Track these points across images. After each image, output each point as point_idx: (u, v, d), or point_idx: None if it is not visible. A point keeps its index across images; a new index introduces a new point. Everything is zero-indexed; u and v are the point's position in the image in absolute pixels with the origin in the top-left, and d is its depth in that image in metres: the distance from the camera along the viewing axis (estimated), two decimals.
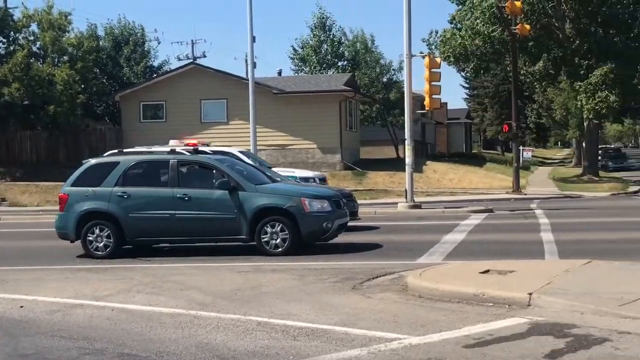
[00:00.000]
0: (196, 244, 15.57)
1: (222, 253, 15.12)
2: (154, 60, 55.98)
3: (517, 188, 35.47)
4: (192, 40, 68.02)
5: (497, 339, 7.45)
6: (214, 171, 15.26)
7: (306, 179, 21.69)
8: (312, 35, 57.43)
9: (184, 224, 15.01)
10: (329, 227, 15.02)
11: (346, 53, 57.53)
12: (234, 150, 21.59)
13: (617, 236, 16.48)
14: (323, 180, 22.87)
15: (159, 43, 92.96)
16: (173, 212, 15.01)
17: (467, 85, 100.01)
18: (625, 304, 8.58)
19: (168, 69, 52.49)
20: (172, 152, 16.25)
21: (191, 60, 59.62)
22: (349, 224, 17.24)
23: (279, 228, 14.79)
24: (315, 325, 8.22)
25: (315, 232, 14.95)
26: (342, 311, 9.03)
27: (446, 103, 77.81)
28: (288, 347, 7.31)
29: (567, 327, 7.81)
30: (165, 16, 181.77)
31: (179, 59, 64.39)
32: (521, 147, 63.72)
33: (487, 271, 10.92)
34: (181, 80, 44.50)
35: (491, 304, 9.15)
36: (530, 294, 9.13)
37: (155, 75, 51.83)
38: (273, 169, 21.73)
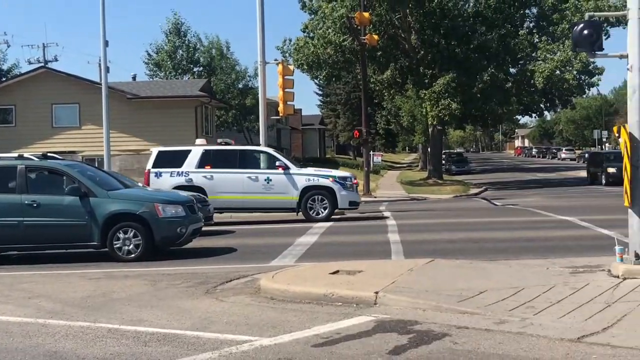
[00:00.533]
0: (46, 251, 14.96)
1: (73, 260, 14.61)
2: (2, 64, 53.35)
3: (367, 191, 36.36)
4: (43, 44, 65.10)
5: (344, 337, 7.61)
6: (64, 177, 14.75)
7: (344, 178, 22.84)
8: (167, 41, 56.55)
9: (33, 231, 14.44)
10: (183, 232, 14.84)
11: (202, 59, 57.06)
12: (270, 150, 23.88)
13: (457, 236, 17.20)
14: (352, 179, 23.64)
15: (8, 46, 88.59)
16: (21, 219, 14.43)
17: (320, 92, 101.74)
18: (464, 300, 8.98)
19: (18, 73, 50.14)
20: (20, 157, 15.58)
21: (42, 64, 57.21)
22: (205, 228, 17.12)
23: (131, 234, 14.48)
24: (166, 331, 8.09)
25: (169, 237, 14.73)
26: (195, 315, 8.93)
27: (301, 109, 78.76)
28: (139, 353, 7.15)
29: (410, 324, 8.08)
30: (15, 18, 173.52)
31: (30, 63, 61.83)
32: (371, 152, 65.36)
33: (336, 272, 11.13)
34: (32, 84, 42.67)
35: (340, 304, 9.33)
36: (376, 292, 9.38)
37: (4, 79, 49.37)
38: (309, 168, 24.24)
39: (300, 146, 75.13)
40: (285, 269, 11.97)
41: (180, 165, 22.29)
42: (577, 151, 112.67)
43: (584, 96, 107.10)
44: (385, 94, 60.56)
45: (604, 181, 41.00)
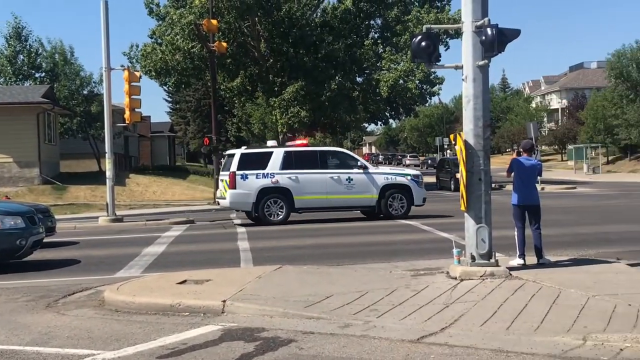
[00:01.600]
0: None
1: None
2: None
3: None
4: None
5: (190, 347, 7.50)
6: None
7: (417, 176, 24.21)
8: (6, 45, 53.75)
9: None
10: (23, 244, 14.14)
11: (44, 64, 54.65)
12: (347, 150, 25.40)
13: (306, 242, 17.42)
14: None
15: None
16: None
17: (170, 99, 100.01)
18: (310, 305, 9.09)
19: None
20: None
21: None
22: (47, 240, 16.39)
23: None
24: (4, 347, 7.68)
25: (7, 250, 14.00)
26: (35, 330, 8.53)
27: (149, 116, 77.09)
28: None
29: (257, 331, 8.08)
30: None
31: None
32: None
33: (184, 281, 10.97)
34: None
35: (187, 314, 9.20)
36: (224, 301, 9.32)
37: None
38: (384, 167, 26.13)
39: (149, 154, 73.56)
40: (131, 280, 11.67)
41: (264, 167, 22.65)
42: (420, 157, 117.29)
43: (426, 105, 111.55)
44: (236, 101, 60.32)
45: (452, 187, 42.57)
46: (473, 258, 10.93)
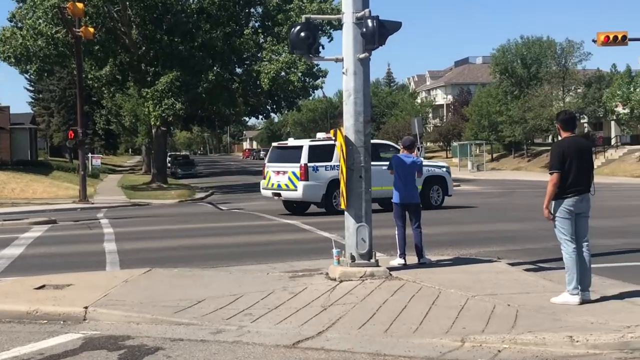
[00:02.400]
0: None
1: None
2: None
3: (84, 197, 35.16)
4: None
5: (48, 357, 7.26)
6: None
7: (448, 169, 26.57)
8: None
9: None
10: None
11: None
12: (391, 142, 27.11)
13: (180, 243, 17.21)
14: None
15: None
16: None
17: (31, 89, 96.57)
18: (181, 310, 8.98)
19: None
20: None
21: None
22: None
23: None
24: None
25: None
26: None
27: (8, 107, 74.04)
28: None
29: (122, 339, 7.91)
30: None
31: None
32: (90, 154, 63.37)
33: (42, 286, 10.61)
34: None
35: (45, 321, 8.90)
36: (86, 307, 9.08)
37: None
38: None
39: (8, 147, 70.67)
40: None
41: (329, 159, 23.52)
42: None
43: (310, 98, 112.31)
44: (105, 91, 59.06)
45: None
46: (353, 258, 11.09)
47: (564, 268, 9.17)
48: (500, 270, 11.68)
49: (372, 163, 24.56)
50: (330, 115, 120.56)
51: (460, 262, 12.46)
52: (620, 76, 66.87)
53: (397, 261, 12.17)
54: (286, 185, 24.09)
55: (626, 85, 62.75)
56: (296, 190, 23.75)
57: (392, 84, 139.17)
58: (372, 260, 11.16)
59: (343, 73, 11.38)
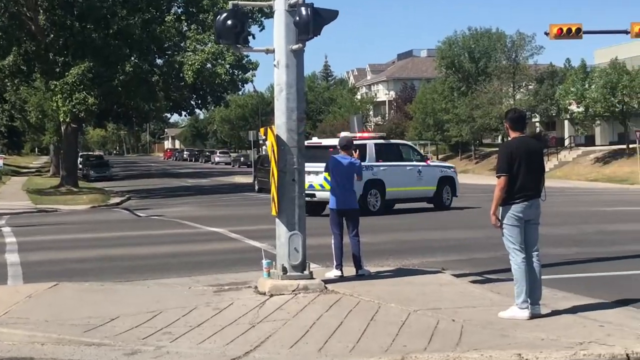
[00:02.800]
0: None
1: None
2: None
3: None
4: None
5: None
6: None
7: (455, 170, 29.91)
8: None
9: None
10: None
11: None
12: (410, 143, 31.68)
13: (91, 254, 16.98)
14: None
15: None
16: None
17: None
18: (91, 329, 8.85)
19: None
20: None
21: None
22: None
23: None
24: None
25: None
26: None
27: None
28: None
29: None
30: None
31: None
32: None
33: None
34: None
35: None
36: None
37: None
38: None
39: None
40: None
41: (363, 159, 24.21)
42: (232, 154, 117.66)
43: (239, 93, 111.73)
44: (8, 84, 57.71)
45: None
46: (285, 270, 11.09)
47: (512, 280, 9.32)
48: (445, 282, 11.82)
49: (397, 163, 27.26)
50: (262, 112, 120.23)
51: (402, 274, 12.57)
52: (575, 72, 68.27)
53: (334, 273, 12.21)
54: (321, 185, 25.04)
55: (580, 81, 64.05)
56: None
57: (329, 78, 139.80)
58: (306, 272, 11.17)
59: (274, 66, 11.37)
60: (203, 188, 53.95)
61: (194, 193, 48.05)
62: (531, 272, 9.21)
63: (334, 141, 26.48)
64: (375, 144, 27.17)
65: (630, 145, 60.95)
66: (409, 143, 31.28)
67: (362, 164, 25.30)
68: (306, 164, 24.91)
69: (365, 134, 30.32)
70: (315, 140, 28.88)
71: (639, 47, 65.61)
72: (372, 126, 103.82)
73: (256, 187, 45.86)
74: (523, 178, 9.13)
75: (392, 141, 30.18)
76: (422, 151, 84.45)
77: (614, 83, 60.76)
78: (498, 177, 9.19)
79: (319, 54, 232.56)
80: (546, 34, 29.64)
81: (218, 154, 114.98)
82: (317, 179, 25.27)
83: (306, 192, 24.42)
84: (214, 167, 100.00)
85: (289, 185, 11.26)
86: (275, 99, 11.48)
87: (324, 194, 24.68)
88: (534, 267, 9.26)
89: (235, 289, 11.41)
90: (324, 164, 24.71)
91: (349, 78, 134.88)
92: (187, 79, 46.35)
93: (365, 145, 26.17)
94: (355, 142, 26.16)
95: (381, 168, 26.51)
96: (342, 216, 12.55)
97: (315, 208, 25.21)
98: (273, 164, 11.26)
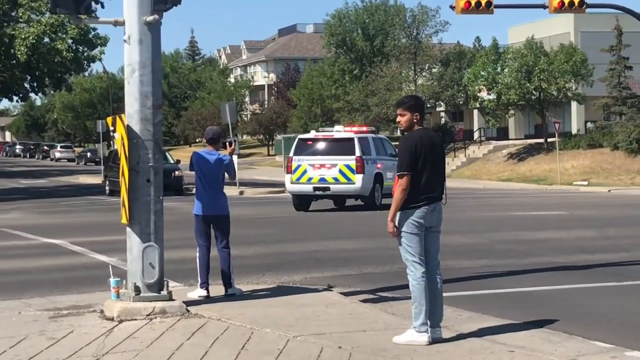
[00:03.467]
0: None
1: None
2: None
3: None
4: None
5: None
6: None
7: None
8: None
9: None
10: None
11: None
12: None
13: None
14: None
15: None
16: None
17: None
18: None
19: None
20: None
21: None
22: None
23: None
24: None
25: None
26: None
27: None
28: None
29: None
30: None
31: None
32: None
33: None
34: None
35: None
36: None
37: None
38: None
39: None
40: None
41: (369, 153, 31.17)
42: (77, 149, 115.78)
43: (85, 74, 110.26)
44: None
45: None
46: (138, 290, 10.95)
47: (410, 298, 9.43)
48: (332, 301, 11.90)
49: (386, 158, 32.29)
50: (114, 98, 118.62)
51: (280, 293, 12.59)
52: (485, 53, 69.02)
53: (198, 293, 12.14)
54: (335, 179, 30.12)
55: (492, 64, 65.26)
56: (354, 183, 30.15)
57: (197, 58, 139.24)
58: (164, 293, 11.07)
59: (125, 41, 11.23)
60: (40, 190, 52.85)
61: (28, 196, 46.97)
62: (432, 289, 9.28)
63: (347, 134, 31.72)
64: (373, 139, 32.35)
65: (549, 139, 62.81)
66: (386, 138, 37.17)
67: (372, 157, 31.31)
68: (310, 157, 30.57)
69: (355, 128, 34.93)
70: (328, 130, 34.66)
71: (558, 24, 67.58)
72: (249, 115, 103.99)
73: (107, 190, 45.04)
74: (427, 177, 9.18)
75: (380, 136, 36.99)
76: None
77: (530, 66, 62.28)
78: (400, 176, 9.16)
79: (184, 29, 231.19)
80: (452, 7, 30.11)
81: (59, 149, 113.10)
82: (329, 172, 30.12)
83: (317, 185, 30.43)
84: (54, 165, 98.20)
85: (143, 187, 11.12)
86: (126, 81, 11.33)
87: (339, 187, 30.48)
88: (435, 283, 9.36)
89: (76, 313, 11.21)
90: (338, 157, 30.42)
91: (220, 57, 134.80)
92: (19, 55, 45.46)
93: (367, 138, 31.65)
94: (359, 136, 31.50)
95: (382, 163, 31.58)
96: (208, 224, 12.47)
97: (305, 205, 30.67)
98: (123, 161, 11.10)
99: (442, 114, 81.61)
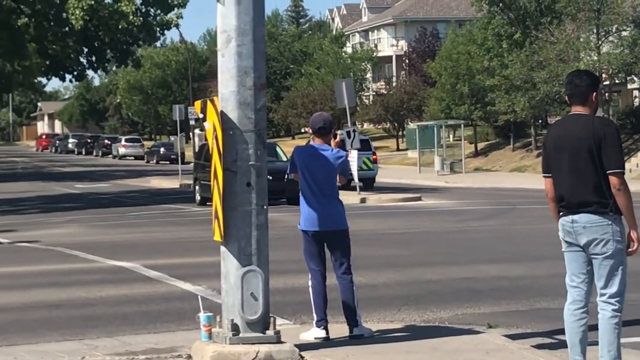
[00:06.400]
0: None
1: None
2: None
3: None
4: None
5: None
6: None
7: None
8: None
9: None
10: None
11: None
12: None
13: None
14: None
15: None
16: None
17: None
18: None
19: None
20: None
21: None
22: None
23: None
24: None
25: None
26: None
27: None
28: None
29: None
30: None
31: None
32: None
33: None
34: None
35: None
36: None
37: None
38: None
39: None
40: None
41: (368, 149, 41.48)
42: (146, 143, 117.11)
43: (157, 45, 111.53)
44: None
45: None
46: (236, 329, 11.06)
47: (599, 342, 9.36)
48: (493, 347, 11.83)
49: (364, 152, 41.96)
50: (195, 76, 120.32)
51: (424, 334, 12.56)
52: None
53: (314, 333, 12.17)
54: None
55: None
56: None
57: (302, 21, 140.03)
58: (270, 333, 11.15)
59: (217, 0, 11.36)
60: (100, 197, 53.74)
61: (85, 205, 47.82)
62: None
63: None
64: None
65: None
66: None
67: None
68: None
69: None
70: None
71: None
72: (371, 97, 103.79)
73: (197, 197, 43.75)
74: None
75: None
76: (450, 137, 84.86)
77: None
78: (621, 173, 9.40)
79: None
80: None
81: (123, 143, 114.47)
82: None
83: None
84: (118, 163, 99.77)
85: (242, 193, 11.23)
86: (219, 54, 11.46)
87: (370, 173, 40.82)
88: None
89: (155, 359, 11.38)
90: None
91: (332, 20, 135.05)
92: (73, 21, 46.27)
93: (368, 140, 38.20)
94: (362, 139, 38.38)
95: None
96: (321, 243, 12.40)
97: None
98: (216, 159, 11.22)
99: (636, 92, 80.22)
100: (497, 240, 26.37)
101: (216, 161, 11.21)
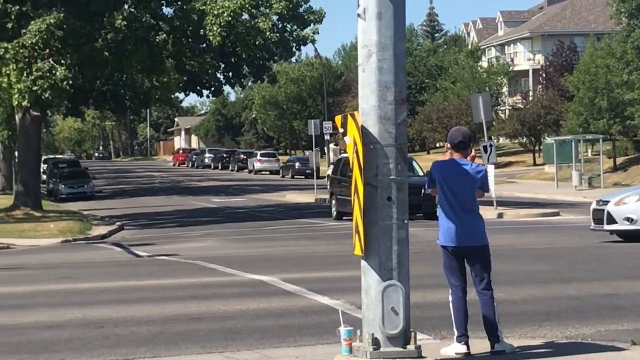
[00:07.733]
0: None
1: None
2: None
3: None
4: None
5: None
6: None
7: None
8: None
9: None
10: None
11: None
12: None
13: (62, 316, 17.14)
14: None
15: None
16: None
17: None
18: None
19: None
20: None
21: None
22: None
23: None
24: None
25: None
26: None
27: None
28: None
29: None
30: None
31: None
32: None
33: None
34: None
35: None
36: None
37: None
38: None
39: None
40: None
41: None
42: (281, 157, 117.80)
43: (293, 60, 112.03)
44: None
45: None
46: (376, 343, 11.07)
47: None
48: None
49: None
50: (330, 91, 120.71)
51: (566, 350, 12.45)
52: None
53: (455, 348, 12.14)
54: None
55: None
56: None
57: (436, 35, 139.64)
58: (411, 347, 11.14)
59: (358, 15, 11.39)
60: (237, 211, 54.20)
61: (222, 219, 48.28)
62: None
63: None
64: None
65: None
66: None
67: None
68: None
69: None
70: None
71: None
72: (507, 111, 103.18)
73: (334, 211, 44.33)
74: None
75: None
76: (588, 152, 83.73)
77: None
78: None
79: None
80: None
81: (259, 157, 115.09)
82: None
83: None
84: (253, 178, 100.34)
85: (383, 208, 11.24)
86: (360, 69, 11.48)
87: None
88: None
89: None
90: None
91: (468, 34, 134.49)
92: (211, 37, 46.68)
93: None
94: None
95: None
96: (461, 258, 12.40)
97: None
98: (357, 173, 11.25)
99: None
100: (637, 255, 26.00)
101: (357, 176, 11.24)
